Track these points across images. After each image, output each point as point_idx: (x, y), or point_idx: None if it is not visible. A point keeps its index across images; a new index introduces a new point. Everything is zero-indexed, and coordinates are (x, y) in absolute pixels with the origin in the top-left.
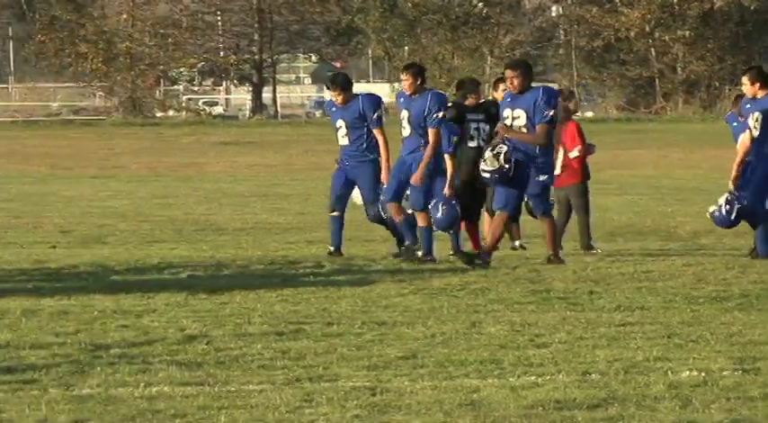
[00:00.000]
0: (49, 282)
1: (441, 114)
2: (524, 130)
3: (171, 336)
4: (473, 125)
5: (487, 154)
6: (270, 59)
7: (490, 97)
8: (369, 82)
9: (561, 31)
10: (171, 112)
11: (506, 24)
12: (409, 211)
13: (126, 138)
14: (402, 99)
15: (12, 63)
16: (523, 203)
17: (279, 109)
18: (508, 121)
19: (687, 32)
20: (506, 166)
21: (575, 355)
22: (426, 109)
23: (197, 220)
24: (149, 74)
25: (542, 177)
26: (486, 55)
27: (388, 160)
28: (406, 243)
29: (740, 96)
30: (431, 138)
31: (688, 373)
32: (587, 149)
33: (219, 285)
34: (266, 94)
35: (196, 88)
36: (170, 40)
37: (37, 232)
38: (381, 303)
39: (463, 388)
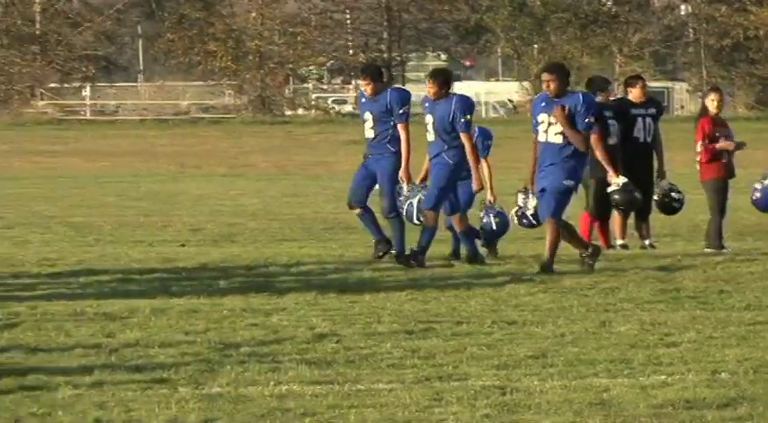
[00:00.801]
0: (178, 280)
1: (467, 117)
2: (560, 136)
3: (300, 334)
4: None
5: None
6: (399, 58)
7: (619, 95)
8: (498, 80)
9: (690, 30)
10: (300, 111)
11: (635, 23)
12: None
13: (255, 136)
14: (427, 104)
15: (141, 61)
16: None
17: None
18: (543, 127)
19: None
20: (524, 221)
21: (704, 354)
22: (451, 113)
23: (326, 218)
24: (278, 72)
25: (567, 182)
26: (615, 53)
27: (408, 157)
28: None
29: None
30: (465, 142)
31: None
32: (737, 146)
33: (349, 284)
34: None
35: (325, 86)
36: (299, 38)
37: (166, 231)
38: (511, 302)
39: (593, 387)
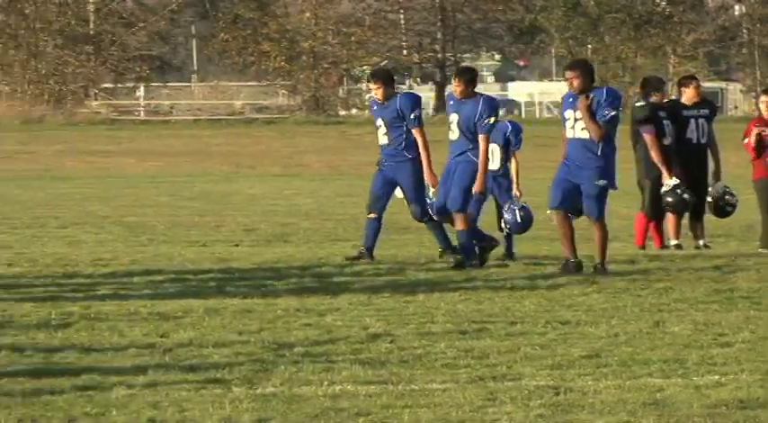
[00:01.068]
0: (232, 280)
1: (492, 120)
2: (587, 131)
3: (354, 334)
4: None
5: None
6: (453, 58)
7: (673, 96)
8: (552, 81)
9: (744, 30)
10: (354, 111)
11: (689, 23)
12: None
13: (309, 136)
14: (452, 102)
15: (195, 61)
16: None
17: None
18: (570, 123)
19: None
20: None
21: (758, 354)
22: (477, 114)
23: None
24: (332, 72)
25: (600, 182)
26: (668, 54)
27: (429, 161)
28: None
29: None
30: (481, 144)
31: None
32: None
33: (402, 284)
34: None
35: None
36: (353, 38)
37: (220, 231)
38: (565, 302)
39: (647, 387)
